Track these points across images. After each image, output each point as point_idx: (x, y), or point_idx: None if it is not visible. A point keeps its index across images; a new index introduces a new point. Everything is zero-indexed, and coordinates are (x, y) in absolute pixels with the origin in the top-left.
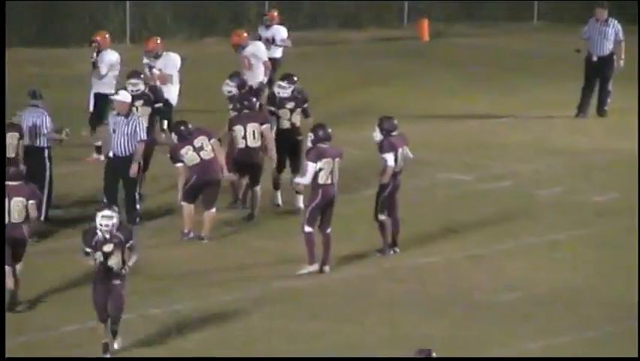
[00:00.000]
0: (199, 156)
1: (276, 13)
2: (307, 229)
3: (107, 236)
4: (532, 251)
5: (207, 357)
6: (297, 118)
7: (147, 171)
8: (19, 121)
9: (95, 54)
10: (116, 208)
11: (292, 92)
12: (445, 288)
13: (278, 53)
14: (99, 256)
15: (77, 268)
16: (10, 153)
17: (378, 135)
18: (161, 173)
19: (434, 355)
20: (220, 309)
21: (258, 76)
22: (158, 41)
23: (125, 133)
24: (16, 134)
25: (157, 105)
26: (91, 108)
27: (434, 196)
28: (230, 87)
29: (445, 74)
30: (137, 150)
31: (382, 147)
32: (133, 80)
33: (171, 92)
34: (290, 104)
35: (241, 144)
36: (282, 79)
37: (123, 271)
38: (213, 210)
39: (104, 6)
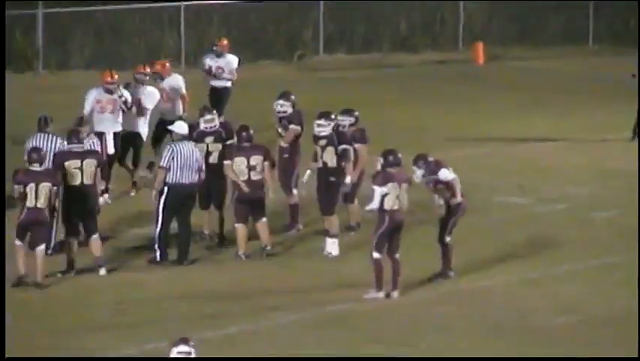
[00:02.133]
0: (249, 174)
1: (226, 42)
2: (376, 255)
3: None
4: (588, 274)
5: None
6: (329, 157)
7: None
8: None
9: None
10: (192, 343)
11: (332, 129)
12: (501, 312)
13: (228, 82)
14: None
15: (135, 291)
16: (88, 180)
17: (419, 174)
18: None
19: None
20: (274, 332)
21: (176, 110)
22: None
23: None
24: (94, 162)
25: (228, 142)
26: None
27: (490, 219)
28: (285, 107)
29: (500, 97)
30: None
31: (432, 170)
32: (207, 117)
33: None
34: (322, 142)
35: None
36: (320, 117)
37: None
38: (264, 219)
39: (159, 29)
